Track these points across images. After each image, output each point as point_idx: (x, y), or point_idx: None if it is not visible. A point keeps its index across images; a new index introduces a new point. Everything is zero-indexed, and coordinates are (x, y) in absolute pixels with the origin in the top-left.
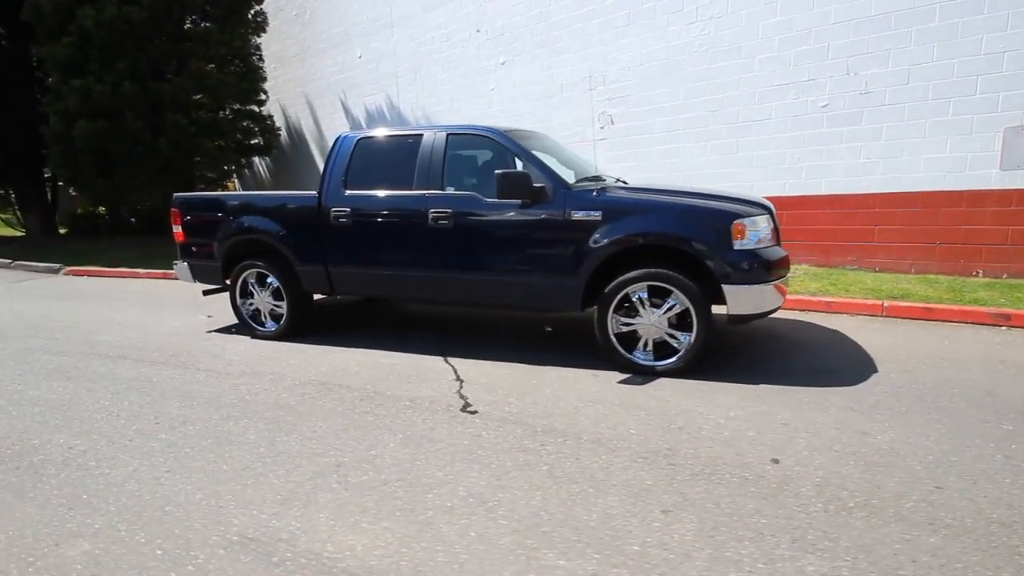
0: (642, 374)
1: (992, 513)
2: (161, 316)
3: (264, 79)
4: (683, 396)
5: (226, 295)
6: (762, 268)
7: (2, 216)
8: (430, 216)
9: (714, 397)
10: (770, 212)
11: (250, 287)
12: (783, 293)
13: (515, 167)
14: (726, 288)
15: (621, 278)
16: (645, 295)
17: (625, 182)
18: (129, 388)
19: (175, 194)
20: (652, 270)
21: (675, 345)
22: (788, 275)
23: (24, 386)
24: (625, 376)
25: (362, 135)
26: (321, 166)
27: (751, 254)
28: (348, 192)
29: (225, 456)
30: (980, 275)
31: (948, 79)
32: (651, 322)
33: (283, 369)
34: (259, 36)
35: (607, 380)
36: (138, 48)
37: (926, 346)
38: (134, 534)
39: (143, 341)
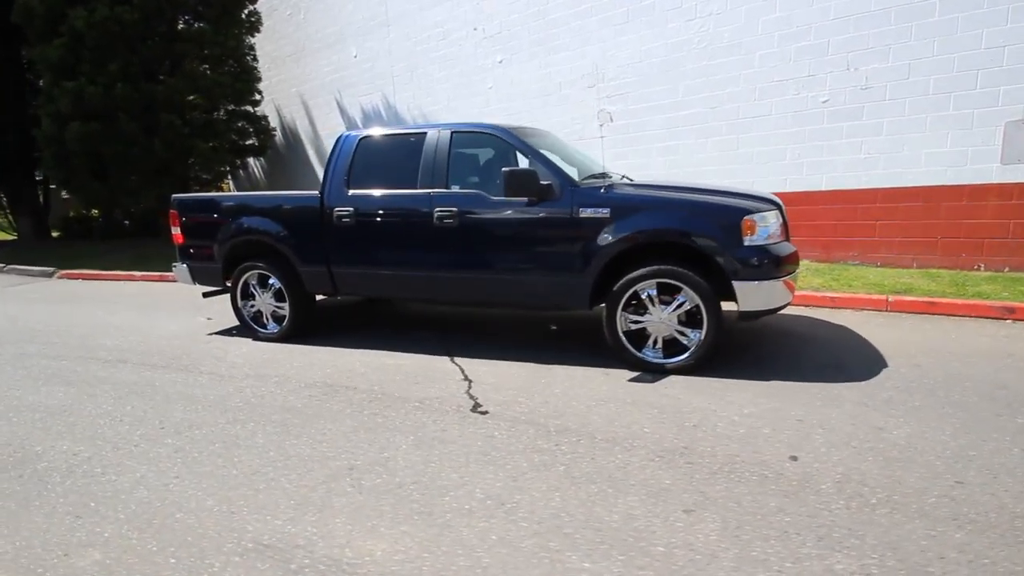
0: (652, 372)
1: (1015, 508)
2: (159, 319)
3: (259, 79)
4: (695, 394)
5: (225, 297)
6: (772, 264)
7: None
8: (435, 215)
9: (726, 394)
10: (779, 208)
11: (251, 289)
12: (792, 289)
13: (517, 164)
14: (736, 284)
15: (630, 275)
16: (654, 292)
17: (630, 179)
18: (131, 392)
19: (174, 195)
20: (662, 267)
21: (685, 342)
22: (797, 271)
23: (23, 392)
24: (635, 374)
25: (364, 134)
26: (317, 167)
27: (761, 250)
28: (351, 192)
29: (234, 460)
30: (981, 269)
31: (949, 74)
32: (660, 319)
33: (287, 371)
34: (253, 36)
35: (617, 378)
36: (130, 49)
37: (933, 340)
38: (146, 542)
39: (143, 344)
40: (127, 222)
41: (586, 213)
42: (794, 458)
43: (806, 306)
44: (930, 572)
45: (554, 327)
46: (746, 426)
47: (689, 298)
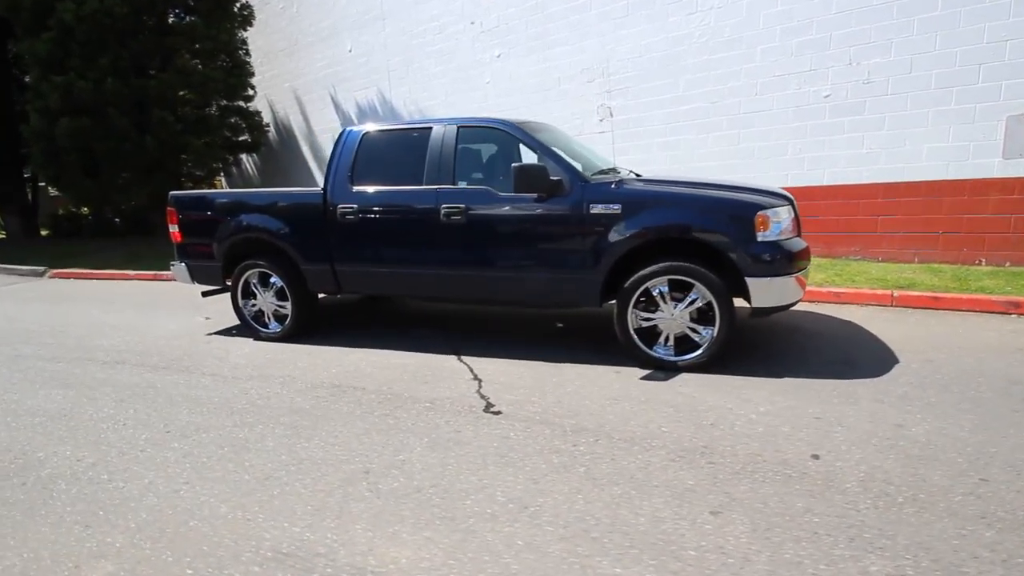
0: (664, 370)
1: None
2: (157, 318)
3: (251, 74)
4: (709, 391)
5: (223, 296)
6: (785, 260)
7: None
8: (442, 212)
9: (741, 392)
10: (791, 202)
11: (252, 287)
12: (804, 285)
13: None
14: (749, 281)
15: (642, 272)
16: (666, 289)
17: (638, 174)
18: (133, 395)
19: (171, 193)
20: (674, 263)
21: (696, 339)
22: (808, 267)
23: (21, 395)
24: (646, 372)
25: (368, 129)
26: (312, 163)
27: (774, 246)
28: (355, 188)
29: (245, 465)
30: (983, 264)
31: (951, 68)
32: (672, 317)
33: (292, 372)
34: (245, 30)
35: (629, 376)
36: (121, 43)
37: (940, 335)
38: (160, 552)
39: (141, 345)
40: (117, 220)
41: (597, 209)
42: (816, 457)
43: (811, 302)
44: (965, 572)
45: (560, 324)
46: (764, 424)
47: (701, 295)
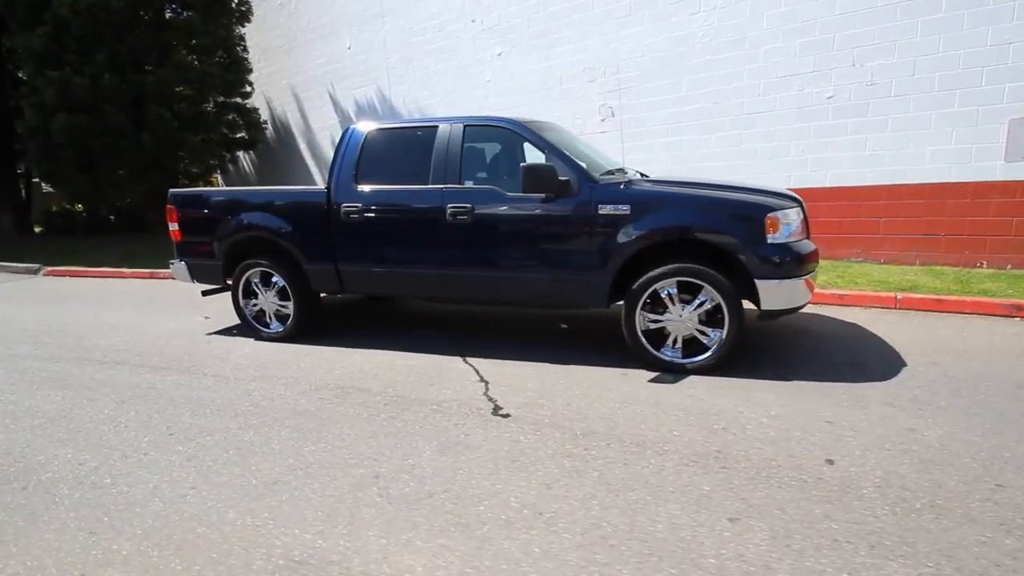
0: (672, 372)
1: None
2: (155, 317)
3: (249, 71)
4: (718, 395)
5: (222, 295)
6: (795, 262)
7: None
8: (448, 211)
9: (750, 395)
10: (800, 204)
11: (254, 287)
12: (812, 288)
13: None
14: (759, 283)
15: (651, 274)
16: (674, 291)
17: (645, 175)
18: (134, 396)
19: (171, 190)
20: (684, 265)
21: (705, 342)
22: (816, 269)
23: (18, 396)
24: (654, 375)
25: (373, 127)
26: (309, 161)
27: (784, 248)
28: (360, 187)
29: (252, 469)
30: (984, 266)
31: (954, 70)
32: (681, 319)
33: (295, 372)
34: (243, 26)
35: (637, 379)
36: (117, 38)
37: (946, 338)
38: (168, 560)
39: (140, 345)
40: (113, 217)
41: (606, 210)
42: (830, 462)
43: (815, 304)
44: None
45: (564, 326)
46: (776, 428)
47: (710, 297)
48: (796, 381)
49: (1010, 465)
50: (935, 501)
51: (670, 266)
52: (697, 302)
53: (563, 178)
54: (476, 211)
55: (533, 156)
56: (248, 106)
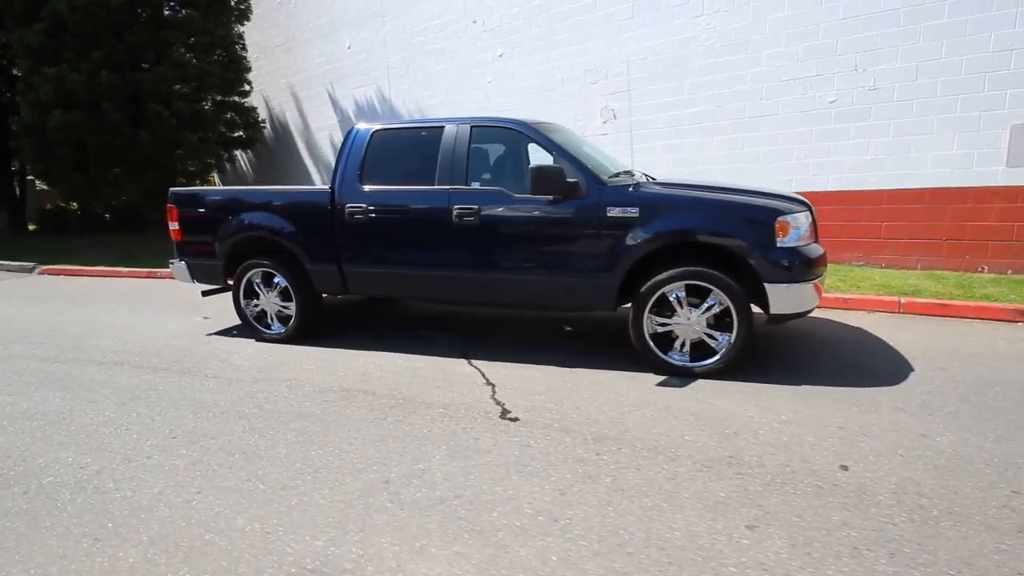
0: (679, 376)
1: None
2: (153, 318)
3: (248, 69)
4: (728, 399)
5: (222, 296)
6: (804, 266)
7: None
8: (454, 213)
9: (760, 400)
10: (809, 208)
11: (255, 287)
12: (820, 292)
13: (529, 161)
14: (768, 287)
15: (659, 277)
16: (682, 294)
17: (653, 178)
18: (134, 398)
19: (171, 189)
20: (692, 268)
21: (713, 345)
22: (824, 273)
23: (16, 397)
24: (661, 378)
25: (377, 127)
26: (308, 161)
27: (793, 251)
28: (365, 187)
29: (259, 474)
30: (985, 271)
31: (956, 76)
32: (689, 322)
33: (298, 375)
34: (242, 25)
35: (645, 383)
36: (115, 35)
37: (951, 343)
38: (176, 568)
39: (140, 345)
40: (108, 216)
41: (614, 212)
42: (845, 467)
43: (819, 307)
44: None
45: (568, 328)
46: (788, 433)
47: (719, 300)
48: (805, 385)
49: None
50: (952, 508)
51: (679, 269)
52: (705, 305)
53: (571, 180)
54: (483, 212)
55: (537, 158)
56: (246, 105)
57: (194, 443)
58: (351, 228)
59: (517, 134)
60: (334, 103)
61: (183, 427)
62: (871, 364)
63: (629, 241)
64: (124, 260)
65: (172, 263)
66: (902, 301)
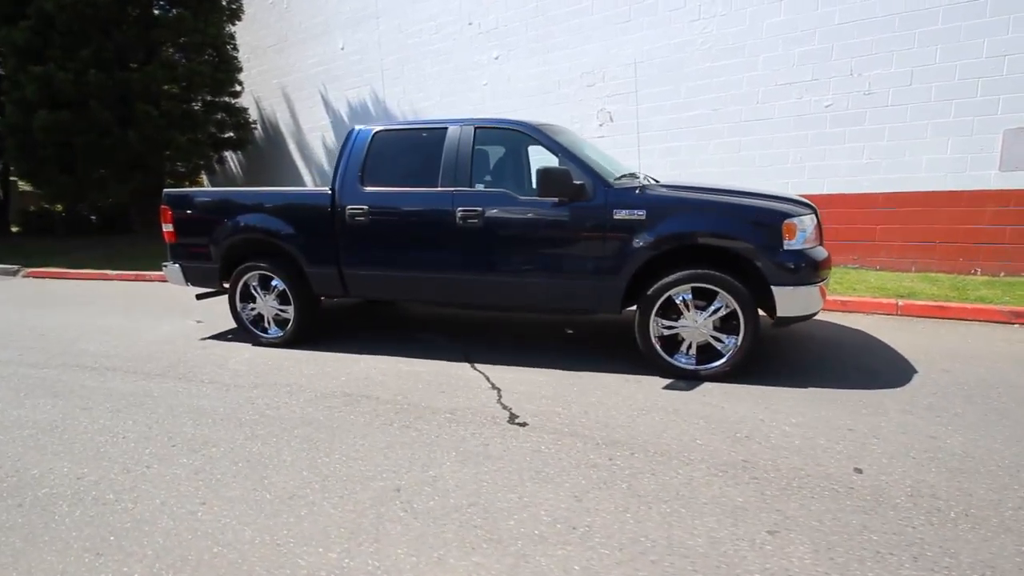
0: (685, 379)
1: None
2: (145, 321)
3: (239, 69)
4: (736, 402)
5: (215, 299)
6: (810, 268)
7: None
8: (458, 215)
9: (768, 402)
10: (814, 211)
11: (252, 290)
12: (825, 295)
13: (529, 163)
14: (775, 289)
15: (666, 280)
16: (689, 297)
17: (656, 180)
18: (129, 405)
19: (165, 190)
20: (700, 271)
21: (719, 348)
22: (829, 276)
23: (5, 405)
24: (668, 381)
25: (379, 128)
26: (299, 162)
27: (800, 254)
28: (366, 189)
29: (265, 483)
30: (978, 273)
31: (950, 81)
32: (696, 325)
33: (298, 380)
34: (233, 24)
35: (652, 386)
36: (104, 34)
37: (950, 345)
38: None
39: (132, 350)
40: (94, 218)
41: (621, 215)
42: (859, 471)
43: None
44: None
45: (570, 331)
46: (799, 436)
47: (726, 303)
48: (811, 388)
49: None
50: (968, 510)
51: (686, 272)
52: (712, 308)
53: (578, 182)
54: (487, 214)
55: (536, 160)
56: (237, 106)
57: (195, 451)
58: (352, 230)
59: (521, 135)
60: (327, 104)
61: (182, 435)
62: (874, 366)
63: (635, 244)
64: (111, 262)
65: (165, 266)
66: (900, 303)
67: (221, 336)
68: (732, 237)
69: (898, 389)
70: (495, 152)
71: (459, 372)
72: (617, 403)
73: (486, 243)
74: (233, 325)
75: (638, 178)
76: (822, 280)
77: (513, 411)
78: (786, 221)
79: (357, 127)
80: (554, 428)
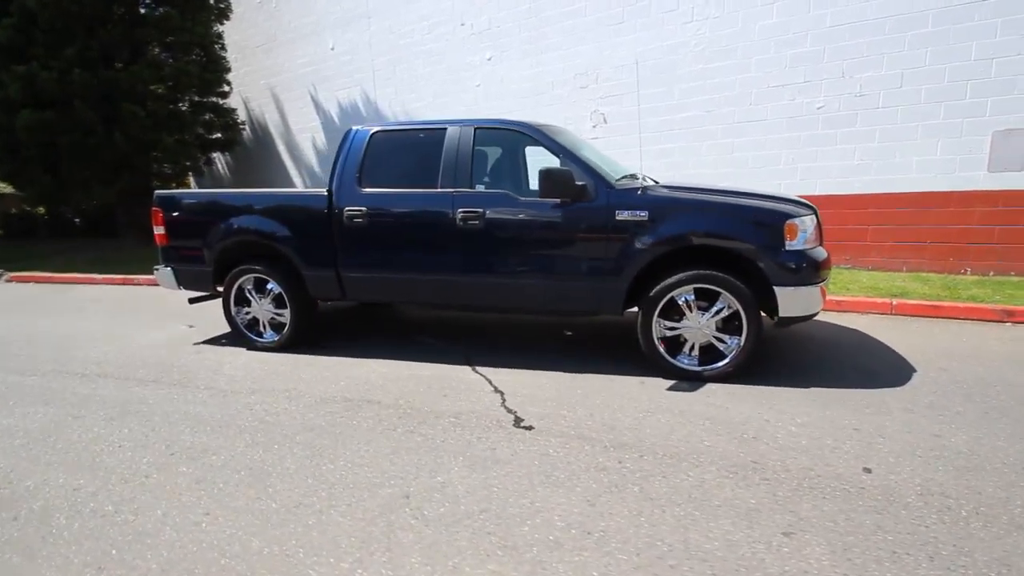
0: (688, 380)
1: None
2: (135, 326)
3: (227, 69)
4: (740, 403)
5: (207, 303)
6: (812, 269)
7: None
8: (458, 216)
9: (772, 403)
10: (815, 212)
11: (247, 294)
12: (825, 295)
13: (526, 164)
14: (778, 290)
15: (669, 281)
16: (691, 298)
17: (656, 181)
18: (123, 412)
19: (157, 192)
20: (703, 272)
21: (722, 349)
22: (829, 276)
23: None
24: (671, 383)
25: (377, 128)
26: (288, 164)
27: (801, 255)
28: (364, 190)
29: (269, 492)
30: (968, 273)
31: (940, 83)
32: (698, 326)
33: (296, 385)
34: (222, 24)
35: (655, 387)
36: (88, 32)
37: (946, 344)
38: None
39: (123, 356)
40: (78, 220)
41: (623, 216)
42: (868, 470)
43: None
44: None
45: (569, 333)
46: (806, 437)
47: (728, 304)
48: (814, 388)
49: None
50: (979, 508)
51: (689, 272)
52: (715, 309)
53: (580, 183)
54: (488, 216)
55: (534, 161)
56: (225, 106)
57: (194, 460)
58: (350, 232)
59: (522, 136)
60: (317, 105)
61: (180, 443)
62: (873, 366)
63: (638, 245)
64: (96, 266)
65: (157, 269)
66: (894, 303)
67: (215, 341)
68: (734, 238)
69: (898, 388)
70: (492, 153)
71: (460, 375)
72: (622, 405)
73: (487, 244)
74: (226, 329)
75: (638, 179)
76: (823, 280)
77: (518, 414)
78: (788, 222)
79: (354, 127)
80: (560, 431)
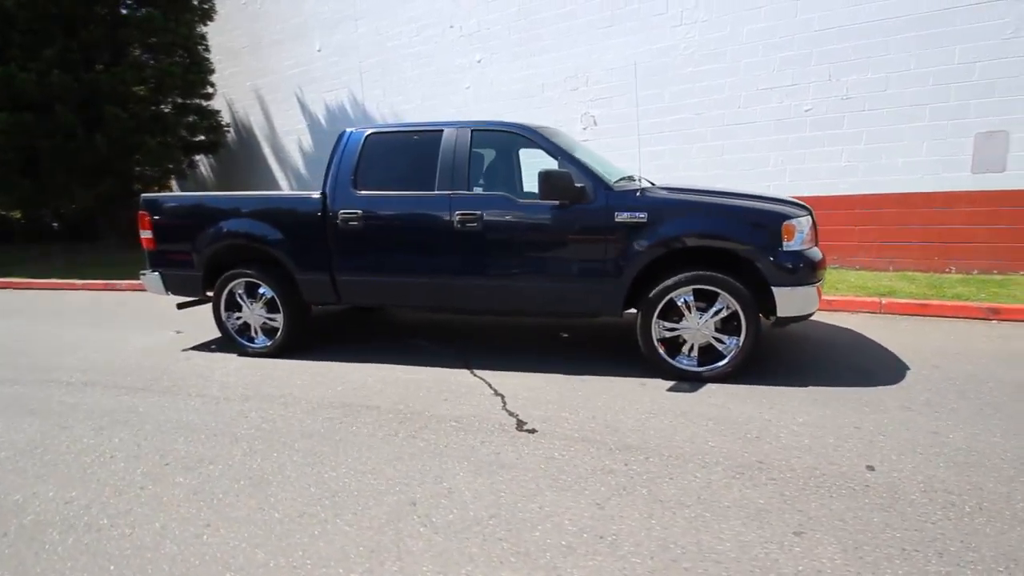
0: (687, 380)
1: None
2: (120, 333)
3: (211, 71)
4: (741, 403)
5: (195, 309)
6: (808, 269)
7: None
8: (456, 219)
9: (772, 402)
10: (810, 212)
11: (238, 298)
12: (820, 295)
13: (520, 165)
14: (776, 290)
15: (668, 282)
16: (690, 299)
17: (652, 183)
18: (113, 422)
19: (143, 195)
20: (702, 273)
21: (721, 349)
22: (825, 276)
23: None
24: (671, 384)
25: (372, 130)
26: (274, 166)
27: (798, 255)
28: (359, 193)
29: (271, 501)
30: (952, 271)
31: (924, 87)
32: (697, 327)
33: (291, 390)
34: (205, 25)
35: (655, 388)
36: (68, 33)
37: (936, 341)
38: None
39: (110, 364)
40: (56, 225)
41: (622, 217)
42: (871, 468)
43: None
44: None
45: (565, 335)
46: (808, 436)
47: (727, 304)
48: (811, 387)
49: None
50: (982, 504)
51: (689, 274)
52: (714, 310)
53: (579, 185)
54: (486, 218)
55: (530, 163)
56: (209, 108)
57: (190, 469)
58: (345, 235)
59: (518, 138)
60: (303, 107)
61: (174, 452)
62: (868, 365)
63: (637, 246)
64: (76, 272)
65: (144, 274)
66: (883, 302)
67: (204, 347)
68: (732, 239)
69: (895, 386)
70: (488, 155)
71: (459, 379)
72: (624, 407)
73: (485, 247)
74: (216, 335)
75: (635, 180)
76: (819, 280)
77: (520, 417)
78: (785, 223)
79: (348, 129)
80: (564, 434)
